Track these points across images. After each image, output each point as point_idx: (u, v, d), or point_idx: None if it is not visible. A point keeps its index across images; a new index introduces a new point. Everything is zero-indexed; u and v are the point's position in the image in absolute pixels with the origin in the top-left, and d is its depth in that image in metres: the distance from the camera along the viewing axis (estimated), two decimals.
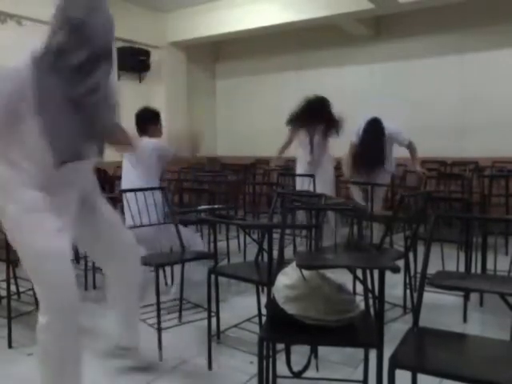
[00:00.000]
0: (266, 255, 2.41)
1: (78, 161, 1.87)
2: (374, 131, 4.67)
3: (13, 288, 3.05)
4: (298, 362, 2.06)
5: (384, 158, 4.69)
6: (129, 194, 3.09)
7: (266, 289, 2.51)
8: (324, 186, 4.66)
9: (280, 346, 2.15)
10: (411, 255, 3.05)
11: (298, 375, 2.06)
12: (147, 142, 3.34)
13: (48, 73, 1.74)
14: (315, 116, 4.90)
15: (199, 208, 3.64)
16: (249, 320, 2.83)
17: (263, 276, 2.37)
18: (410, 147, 4.75)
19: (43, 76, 1.74)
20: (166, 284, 3.62)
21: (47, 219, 1.81)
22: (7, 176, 1.81)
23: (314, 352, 2.08)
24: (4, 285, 2.80)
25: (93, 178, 2.14)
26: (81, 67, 1.75)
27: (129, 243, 2.23)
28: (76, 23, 1.71)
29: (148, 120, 3.64)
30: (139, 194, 3.07)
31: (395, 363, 1.46)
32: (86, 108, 1.81)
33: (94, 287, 3.73)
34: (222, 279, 2.64)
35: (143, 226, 3.10)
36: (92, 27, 1.73)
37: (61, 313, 1.80)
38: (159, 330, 2.54)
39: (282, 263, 2.04)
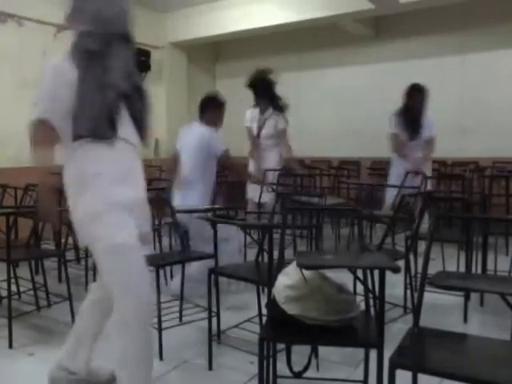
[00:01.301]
0: (266, 255, 2.42)
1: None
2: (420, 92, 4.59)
3: (13, 288, 3.04)
4: (298, 362, 2.05)
5: (422, 121, 4.61)
6: None
7: (266, 289, 2.51)
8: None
9: (280, 346, 2.15)
10: (412, 255, 3.05)
11: (298, 375, 2.06)
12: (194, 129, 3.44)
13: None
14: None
15: (200, 208, 3.63)
16: (249, 320, 2.83)
17: (263, 276, 2.37)
18: (429, 146, 4.67)
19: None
20: (167, 283, 3.62)
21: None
22: (93, 172, 1.88)
23: (314, 352, 2.08)
24: (4, 285, 2.80)
25: None
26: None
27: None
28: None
29: (205, 105, 3.60)
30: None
31: (396, 363, 1.47)
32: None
33: None
34: (222, 279, 2.64)
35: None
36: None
37: (141, 300, 1.85)
38: (159, 329, 2.55)
39: (283, 263, 2.04)
